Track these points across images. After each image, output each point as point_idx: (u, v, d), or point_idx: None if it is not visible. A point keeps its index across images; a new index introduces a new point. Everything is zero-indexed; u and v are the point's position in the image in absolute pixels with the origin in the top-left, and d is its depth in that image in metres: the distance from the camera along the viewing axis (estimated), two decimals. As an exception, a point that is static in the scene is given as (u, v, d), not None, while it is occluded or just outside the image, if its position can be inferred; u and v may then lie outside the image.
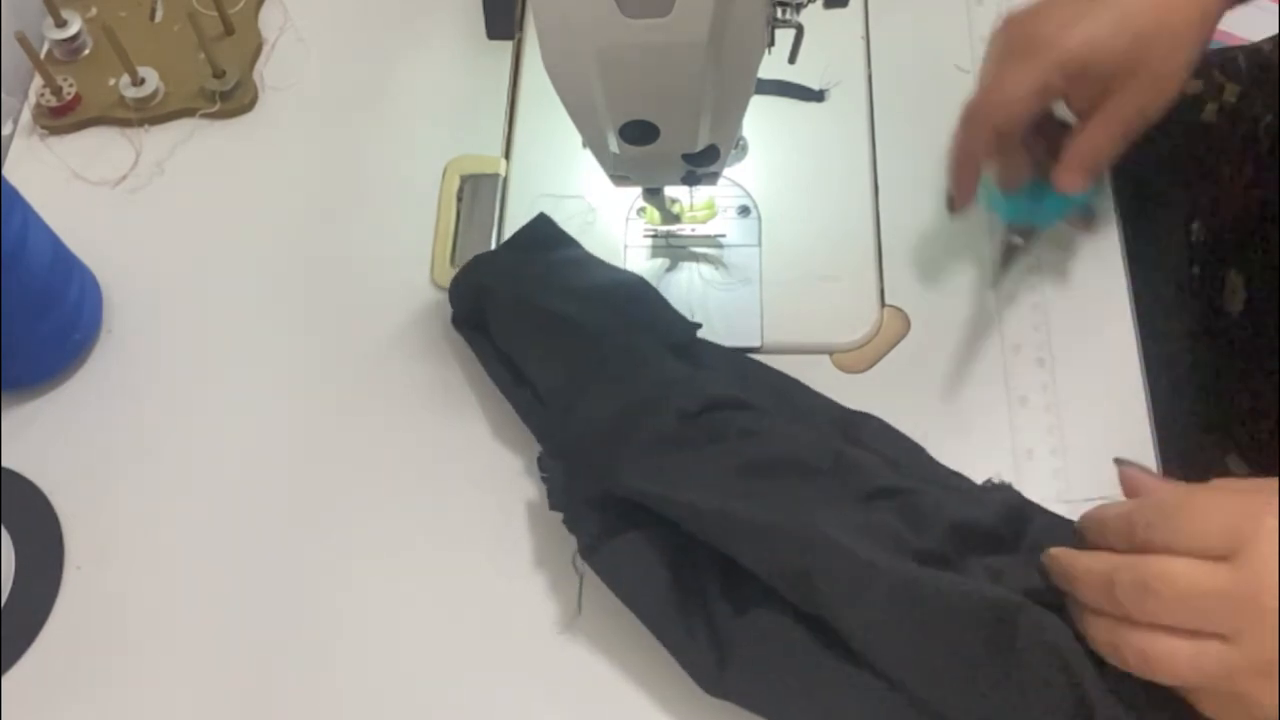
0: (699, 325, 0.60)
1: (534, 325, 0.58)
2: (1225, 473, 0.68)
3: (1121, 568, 0.44)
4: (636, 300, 0.60)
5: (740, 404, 0.55)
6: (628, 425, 0.54)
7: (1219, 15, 0.54)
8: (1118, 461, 0.52)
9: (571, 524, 0.55)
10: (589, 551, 0.54)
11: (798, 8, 0.49)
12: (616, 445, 0.54)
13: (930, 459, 0.56)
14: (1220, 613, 0.41)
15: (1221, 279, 0.67)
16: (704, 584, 0.52)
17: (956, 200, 0.59)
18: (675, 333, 0.59)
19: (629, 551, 0.53)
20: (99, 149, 0.71)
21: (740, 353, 0.61)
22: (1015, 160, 0.57)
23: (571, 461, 0.55)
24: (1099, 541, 0.47)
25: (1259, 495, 0.43)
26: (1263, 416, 0.64)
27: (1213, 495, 0.44)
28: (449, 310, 0.63)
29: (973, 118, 0.56)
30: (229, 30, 0.73)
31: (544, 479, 0.56)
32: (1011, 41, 0.55)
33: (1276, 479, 0.43)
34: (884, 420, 0.57)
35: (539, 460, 0.57)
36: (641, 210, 0.65)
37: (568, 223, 0.64)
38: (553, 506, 0.55)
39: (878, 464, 0.53)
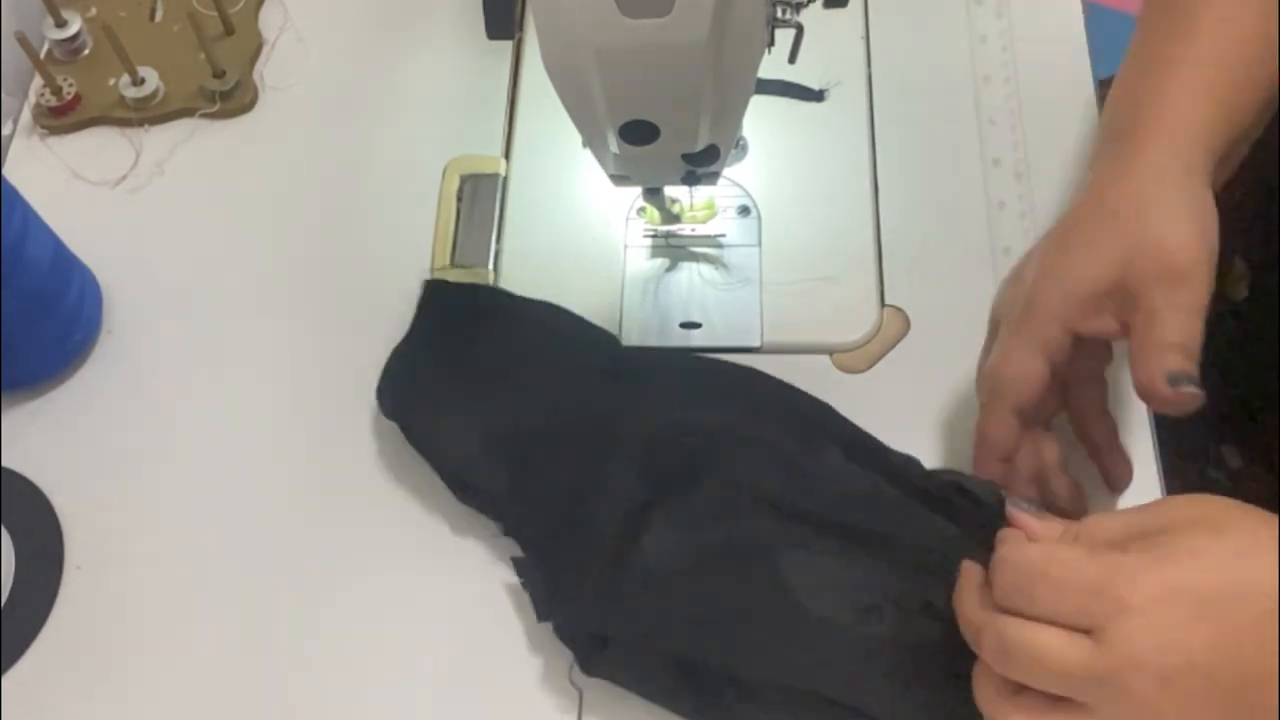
0: (616, 339, 0.60)
1: (463, 431, 0.58)
2: (1219, 462, 0.68)
3: (985, 627, 0.44)
4: (553, 337, 0.60)
5: (685, 429, 0.56)
6: (580, 517, 0.54)
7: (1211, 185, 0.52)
8: (1009, 501, 0.50)
9: (563, 633, 0.54)
10: (587, 664, 0.53)
11: (798, 8, 0.49)
12: (577, 540, 0.54)
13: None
14: (1078, 687, 0.41)
15: (1227, 266, 0.67)
16: (713, 671, 0.52)
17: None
18: (601, 355, 0.59)
19: (628, 657, 0.52)
20: (99, 149, 0.71)
21: (681, 351, 0.61)
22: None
23: (547, 562, 0.54)
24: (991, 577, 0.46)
25: (1124, 564, 0.41)
26: (1261, 410, 0.64)
27: (1074, 564, 0.42)
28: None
29: (989, 409, 0.53)
30: (229, 30, 0.73)
31: (523, 585, 0.55)
32: (1003, 313, 0.54)
33: (1151, 528, 0.43)
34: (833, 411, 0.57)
35: (516, 565, 0.56)
36: (641, 210, 0.65)
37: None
38: (541, 618, 0.54)
39: (836, 486, 0.54)
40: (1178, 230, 0.48)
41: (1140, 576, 0.41)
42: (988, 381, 0.53)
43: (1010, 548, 0.45)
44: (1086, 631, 0.41)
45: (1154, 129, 0.51)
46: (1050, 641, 0.41)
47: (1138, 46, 0.56)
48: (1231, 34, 0.53)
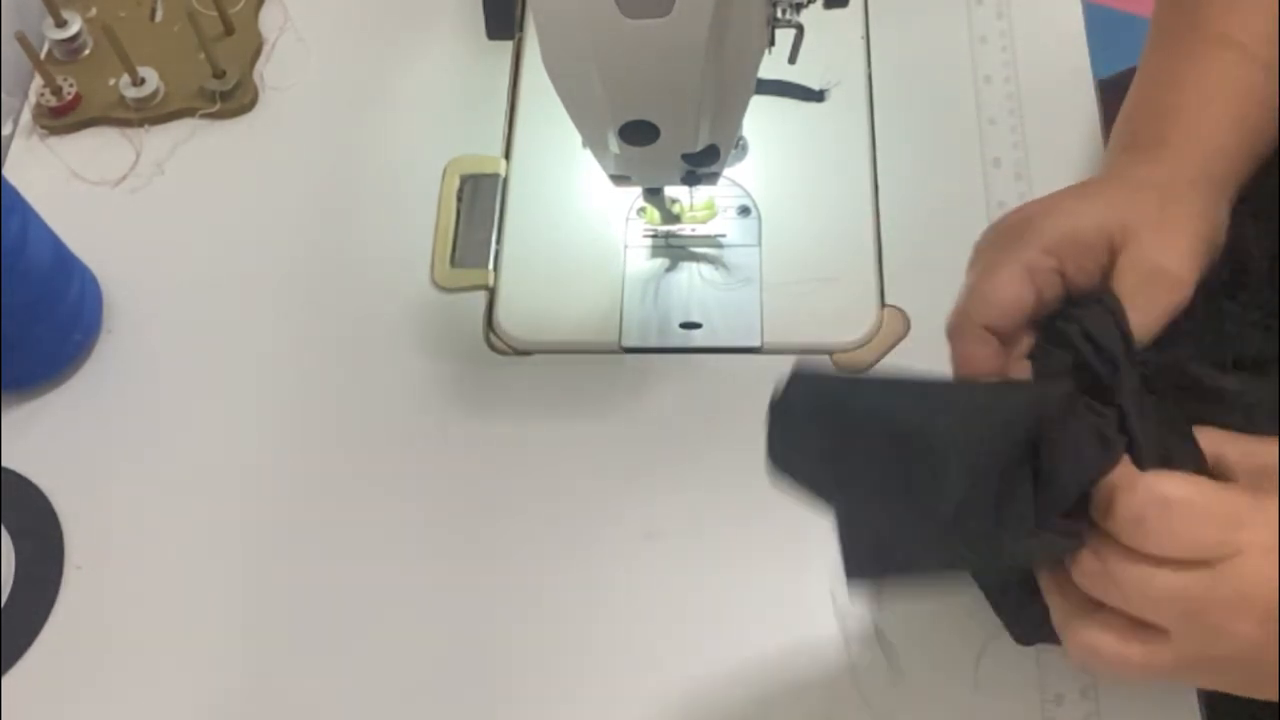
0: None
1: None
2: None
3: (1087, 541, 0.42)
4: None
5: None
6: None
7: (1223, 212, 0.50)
8: None
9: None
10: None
11: (798, 8, 0.49)
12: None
13: None
14: (1175, 615, 0.40)
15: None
16: None
17: None
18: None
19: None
20: (99, 149, 0.71)
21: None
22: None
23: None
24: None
25: (1259, 504, 0.40)
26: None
27: (1210, 499, 0.41)
28: (449, 310, 0.64)
29: (960, 324, 0.49)
30: (229, 30, 0.73)
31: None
32: (991, 237, 0.50)
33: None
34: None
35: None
36: (641, 210, 0.65)
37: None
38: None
39: None
40: (1182, 249, 0.47)
41: (1269, 516, 0.40)
42: (963, 299, 0.49)
43: (1136, 477, 0.42)
44: (1198, 563, 0.40)
45: (1176, 144, 0.50)
46: (1162, 575, 0.40)
47: (1154, 55, 0.55)
48: (1251, 40, 0.52)
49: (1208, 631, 0.40)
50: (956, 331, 0.49)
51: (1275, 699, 0.41)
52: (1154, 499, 0.40)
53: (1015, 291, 0.47)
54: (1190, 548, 0.40)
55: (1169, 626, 0.41)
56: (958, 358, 0.49)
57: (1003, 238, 0.49)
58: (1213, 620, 0.40)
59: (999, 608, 0.52)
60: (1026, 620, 0.49)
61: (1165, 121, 0.52)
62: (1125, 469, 0.42)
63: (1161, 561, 0.40)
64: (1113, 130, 0.56)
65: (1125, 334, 0.45)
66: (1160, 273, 0.47)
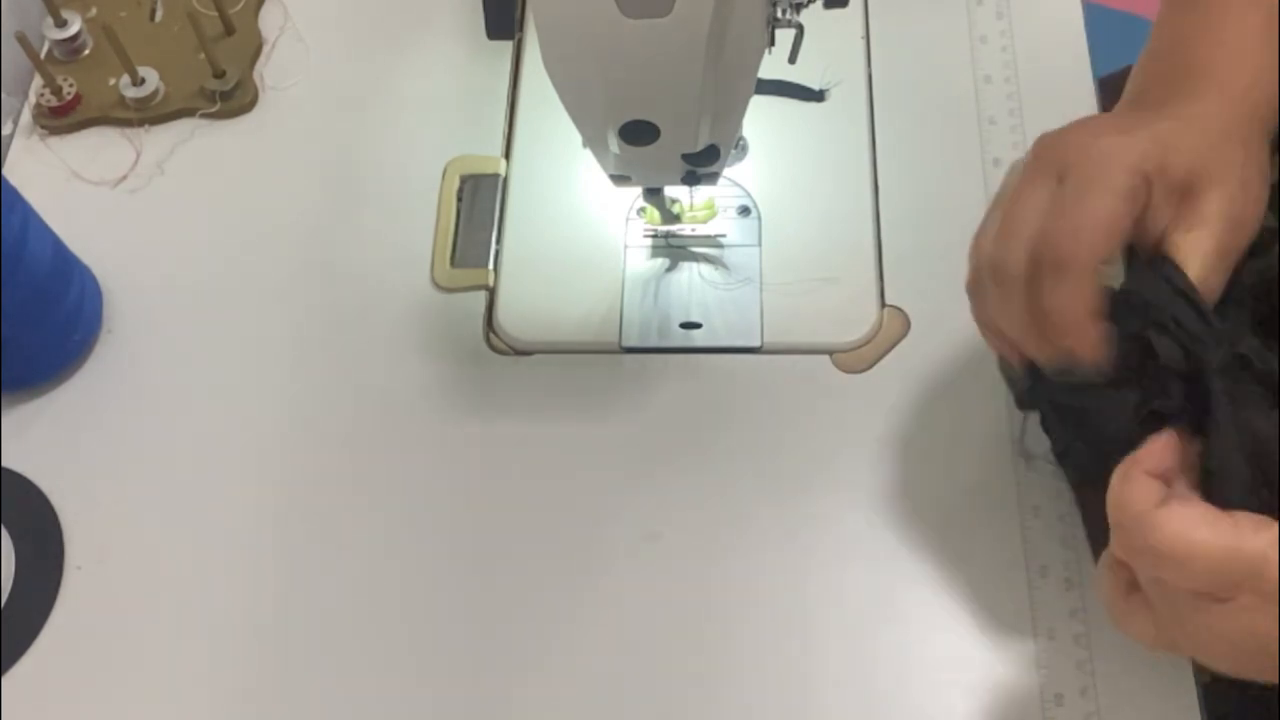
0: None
1: None
2: None
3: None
4: None
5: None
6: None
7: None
8: None
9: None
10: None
11: (798, 8, 0.49)
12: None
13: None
14: (1227, 574, 0.39)
15: None
16: None
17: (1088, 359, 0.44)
18: None
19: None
20: (99, 149, 0.71)
21: None
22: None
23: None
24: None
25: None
26: None
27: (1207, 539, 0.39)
28: (449, 310, 0.64)
29: (1063, 263, 0.43)
30: (229, 30, 0.73)
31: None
32: (1061, 161, 0.45)
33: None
34: None
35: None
36: (641, 210, 0.65)
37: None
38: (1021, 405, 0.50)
39: None
40: (1261, 198, 0.46)
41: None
42: (1051, 248, 0.43)
43: (1150, 512, 0.41)
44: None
45: (1207, 84, 0.48)
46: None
47: (1166, 12, 0.53)
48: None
49: (1263, 592, 0.39)
50: (1063, 266, 0.43)
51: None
52: (1169, 538, 0.40)
53: (1126, 220, 0.43)
54: (1206, 586, 0.40)
55: (1220, 591, 0.40)
56: (1064, 296, 0.43)
57: (1073, 162, 0.44)
58: (1263, 580, 0.39)
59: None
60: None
61: (1189, 62, 0.49)
62: (1147, 496, 0.41)
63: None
64: (1130, 81, 0.52)
65: (1203, 314, 0.43)
66: (1244, 235, 0.45)
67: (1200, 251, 0.44)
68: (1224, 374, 0.43)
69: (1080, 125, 0.46)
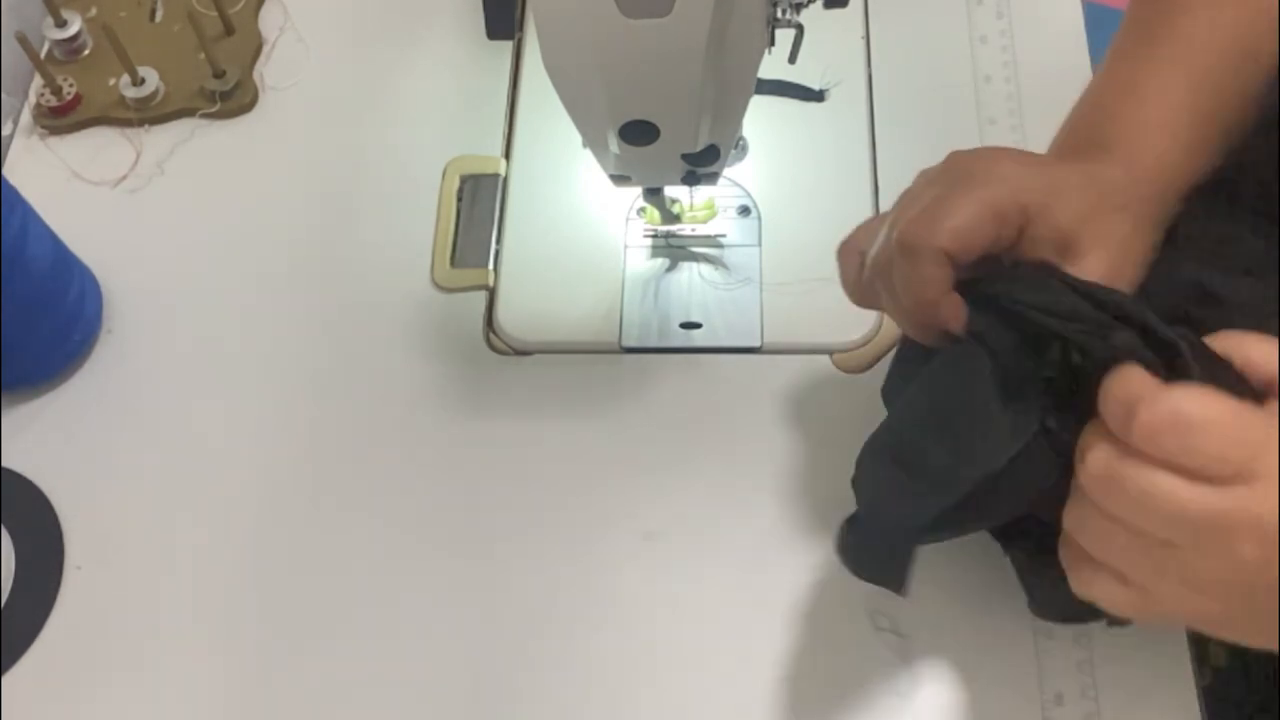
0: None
1: None
2: None
3: (1095, 447, 0.41)
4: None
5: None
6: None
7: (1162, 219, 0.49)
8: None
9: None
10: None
11: (798, 8, 0.49)
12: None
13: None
14: (1184, 529, 0.39)
15: None
16: None
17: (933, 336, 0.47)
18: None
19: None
20: (99, 149, 0.71)
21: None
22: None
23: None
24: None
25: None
26: None
27: (1235, 417, 0.39)
28: (449, 310, 0.64)
29: (915, 243, 0.46)
30: (229, 30, 0.73)
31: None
32: (958, 169, 0.48)
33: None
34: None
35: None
36: (641, 210, 0.65)
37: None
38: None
39: None
40: (1128, 278, 0.47)
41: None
42: (919, 219, 0.46)
43: (1159, 389, 0.40)
44: (1209, 480, 0.39)
45: (1121, 152, 0.49)
46: (1171, 482, 0.39)
47: (1112, 57, 0.54)
48: (1211, 46, 0.51)
49: (1210, 547, 0.39)
50: (911, 249, 0.46)
51: (1258, 638, 0.41)
52: (1175, 415, 0.39)
53: (983, 225, 0.45)
54: (1206, 466, 0.39)
55: (1170, 538, 0.40)
56: (914, 278, 0.46)
57: (965, 175, 0.47)
58: (1217, 537, 0.39)
59: (1027, 584, 0.52)
60: (1052, 598, 0.49)
61: (1110, 125, 0.51)
62: (1147, 380, 0.40)
63: (1174, 470, 0.39)
64: (1057, 135, 0.54)
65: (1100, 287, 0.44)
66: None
67: None
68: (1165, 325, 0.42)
69: (992, 149, 0.49)
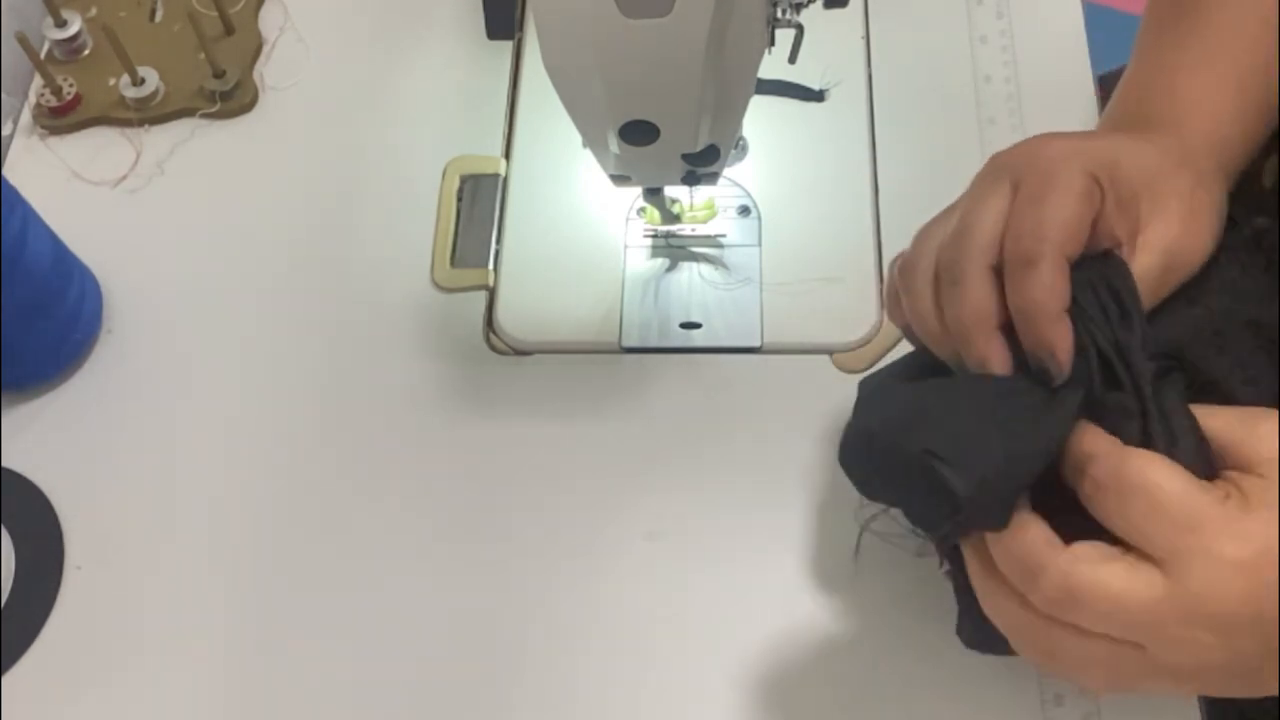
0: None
1: None
2: None
3: (1049, 565, 0.40)
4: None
5: None
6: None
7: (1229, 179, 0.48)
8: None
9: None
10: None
11: (798, 8, 0.49)
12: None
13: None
14: (1137, 628, 0.39)
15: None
16: None
17: (1059, 364, 0.43)
18: None
19: None
20: (99, 149, 0.71)
21: None
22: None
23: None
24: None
25: (1227, 510, 0.38)
26: None
27: (1180, 492, 0.39)
28: (449, 310, 0.64)
29: (1031, 259, 0.42)
30: (229, 30, 0.73)
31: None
32: (1014, 167, 0.45)
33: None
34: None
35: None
36: (641, 210, 0.65)
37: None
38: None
39: None
40: (1207, 244, 0.46)
41: (1239, 526, 0.38)
42: (1018, 245, 0.42)
43: (1113, 450, 0.40)
44: (1153, 560, 0.39)
45: (1171, 123, 0.48)
46: (1118, 581, 0.39)
47: (1147, 40, 0.54)
48: (1248, 27, 0.50)
49: (1166, 642, 0.39)
50: (1028, 260, 0.42)
51: (1254, 693, 0.40)
52: (1120, 478, 0.39)
53: (1082, 211, 0.42)
54: (1141, 538, 0.39)
55: (1124, 637, 0.40)
56: (1036, 290, 0.42)
57: (1031, 166, 0.44)
58: (1169, 632, 0.39)
59: (965, 608, 0.50)
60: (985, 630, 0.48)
61: (1156, 102, 0.50)
62: (1105, 438, 0.40)
63: (1112, 570, 0.39)
64: (1102, 119, 0.54)
65: (1136, 312, 0.43)
66: (1184, 265, 0.45)
67: (1139, 279, 0.44)
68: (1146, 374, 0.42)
69: (1029, 139, 0.47)
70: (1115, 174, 0.44)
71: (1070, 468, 0.41)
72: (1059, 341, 0.42)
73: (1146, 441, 0.42)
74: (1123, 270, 0.44)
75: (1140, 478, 0.39)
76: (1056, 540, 0.41)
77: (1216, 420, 0.41)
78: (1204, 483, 0.40)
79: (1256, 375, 0.45)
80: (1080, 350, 0.43)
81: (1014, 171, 0.45)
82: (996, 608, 0.43)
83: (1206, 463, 0.41)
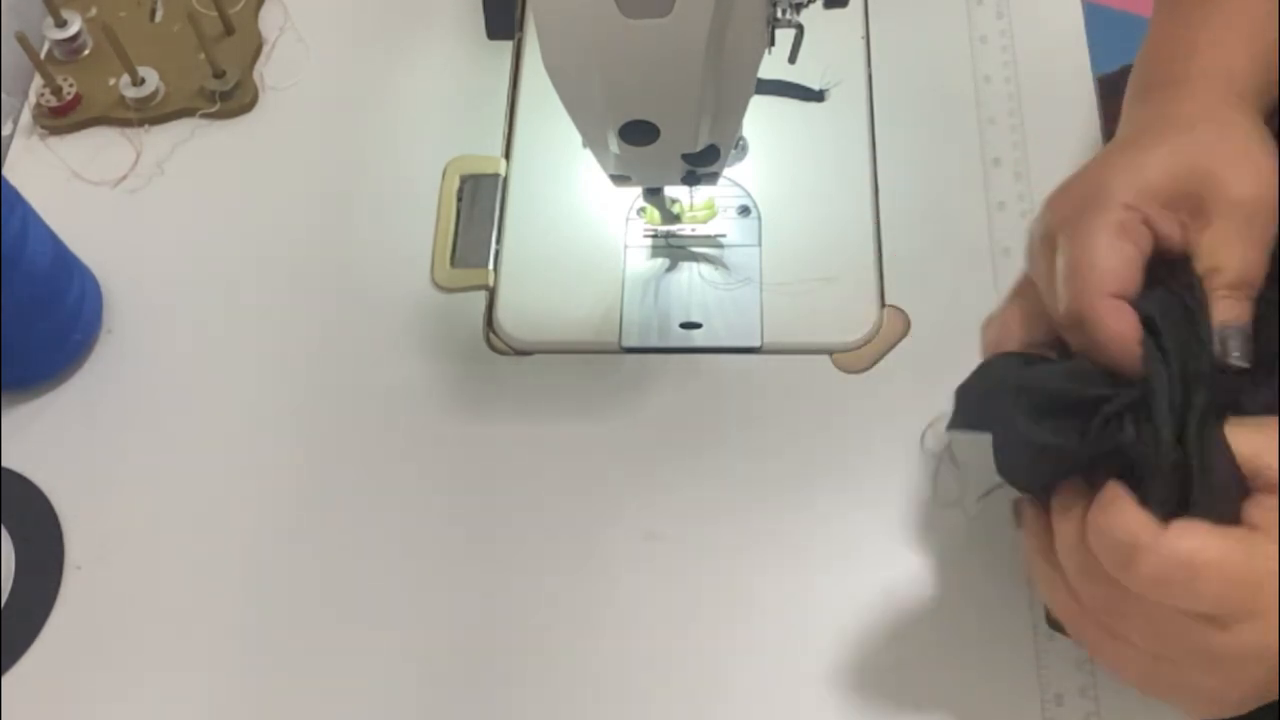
0: None
1: None
2: None
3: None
4: None
5: None
6: None
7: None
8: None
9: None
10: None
11: (798, 8, 0.49)
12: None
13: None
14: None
15: None
16: None
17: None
18: None
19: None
20: (99, 149, 0.71)
21: None
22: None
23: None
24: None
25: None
26: None
27: (1228, 563, 0.39)
28: (449, 310, 0.64)
29: (1088, 305, 0.43)
30: (229, 30, 0.73)
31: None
32: (1066, 208, 0.46)
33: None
34: None
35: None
36: (641, 210, 0.65)
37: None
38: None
39: None
40: (1263, 171, 0.45)
41: None
42: (1071, 283, 0.44)
43: (1164, 534, 0.40)
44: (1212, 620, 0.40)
45: (1198, 78, 0.49)
46: (1176, 623, 0.40)
47: (1164, 7, 0.54)
48: None
49: (1218, 673, 0.41)
50: (1089, 313, 0.44)
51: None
52: (1179, 561, 0.39)
53: (1128, 255, 0.44)
54: (1214, 607, 0.40)
55: (1180, 661, 0.41)
56: (1108, 335, 0.43)
57: (1078, 208, 0.46)
58: (1225, 666, 0.40)
59: None
60: None
61: (1180, 62, 0.51)
62: (1146, 523, 0.40)
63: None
64: (1128, 87, 0.54)
65: (1204, 340, 0.44)
66: (1256, 207, 0.45)
67: (1224, 242, 0.44)
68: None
69: (1061, 189, 0.48)
70: (1145, 187, 0.45)
71: (1108, 558, 0.41)
72: (1126, 363, 0.43)
73: (1180, 469, 0.42)
74: (1194, 286, 0.44)
75: (1201, 554, 0.40)
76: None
77: (1245, 447, 0.41)
78: (1252, 535, 0.40)
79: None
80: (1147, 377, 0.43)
81: (1050, 232, 0.47)
82: (1053, 593, 0.45)
83: (1239, 485, 0.41)
